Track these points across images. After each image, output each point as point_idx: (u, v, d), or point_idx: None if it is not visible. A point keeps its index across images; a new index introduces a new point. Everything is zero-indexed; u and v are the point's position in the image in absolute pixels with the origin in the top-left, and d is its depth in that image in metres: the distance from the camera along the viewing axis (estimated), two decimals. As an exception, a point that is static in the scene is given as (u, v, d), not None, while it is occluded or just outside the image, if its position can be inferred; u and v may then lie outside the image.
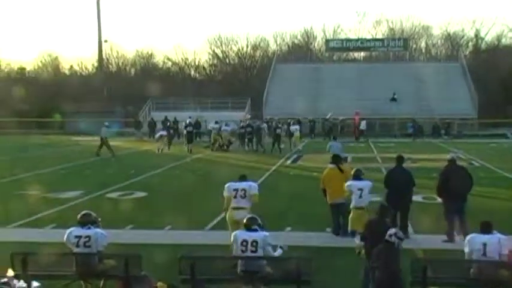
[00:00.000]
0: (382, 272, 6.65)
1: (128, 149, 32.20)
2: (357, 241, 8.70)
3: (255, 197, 9.56)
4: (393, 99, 45.68)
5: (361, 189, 10.19)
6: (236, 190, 9.57)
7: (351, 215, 10.30)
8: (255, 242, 7.15)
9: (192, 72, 67.59)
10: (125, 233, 11.51)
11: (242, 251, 7.19)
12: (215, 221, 12.50)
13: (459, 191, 10.73)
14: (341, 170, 11.24)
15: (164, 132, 30.70)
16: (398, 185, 10.94)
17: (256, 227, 7.37)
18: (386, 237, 6.81)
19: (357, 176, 10.43)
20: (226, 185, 9.76)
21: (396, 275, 6.60)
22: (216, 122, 31.81)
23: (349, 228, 10.32)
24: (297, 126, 32.77)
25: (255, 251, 7.15)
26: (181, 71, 66.73)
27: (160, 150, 29.03)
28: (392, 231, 6.85)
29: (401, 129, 41.92)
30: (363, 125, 39.48)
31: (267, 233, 7.38)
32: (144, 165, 23.24)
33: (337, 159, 11.56)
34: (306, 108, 43.79)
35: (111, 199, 15.70)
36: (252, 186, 9.67)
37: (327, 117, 40.10)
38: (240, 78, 62.82)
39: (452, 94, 45.18)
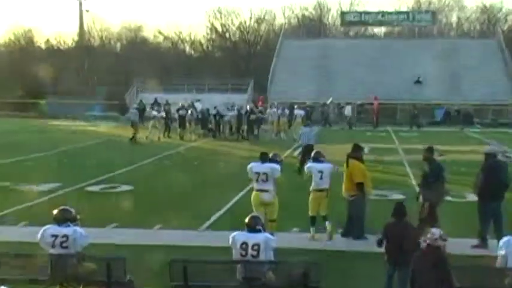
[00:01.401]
0: (429, 282, 6.61)
1: (112, 136, 32.21)
2: (327, 227, 10.98)
3: (279, 179, 10.57)
4: (418, 82, 45.57)
5: (321, 172, 11.14)
6: (258, 174, 10.48)
7: (310, 197, 11.25)
8: (256, 245, 7.15)
9: (187, 49, 67.54)
10: (107, 232, 11.55)
11: (242, 255, 7.19)
12: (212, 220, 12.54)
13: (497, 189, 10.72)
14: (347, 164, 11.27)
15: (157, 114, 30.33)
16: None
17: (259, 227, 7.37)
18: (430, 241, 6.76)
19: (317, 158, 11.43)
20: (249, 166, 10.67)
21: (449, 284, 6.57)
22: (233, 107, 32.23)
23: (309, 212, 11.21)
24: (302, 112, 32.98)
25: (257, 256, 7.15)
26: (175, 47, 66.65)
27: (156, 137, 28.85)
28: (436, 233, 6.77)
29: (428, 116, 41.81)
30: (348, 110, 38.72)
31: (270, 235, 7.39)
32: (130, 155, 23.29)
33: (355, 149, 11.54)
34: (317, 91, 43.68)
35: (93, 193, 15.75)
36: (274, 170, 10.51)
37: (328, 102, 40.01)
38: (241, 56, 62.71)
39: (487, 76, 44.99)
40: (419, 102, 42.20)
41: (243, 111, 30.92)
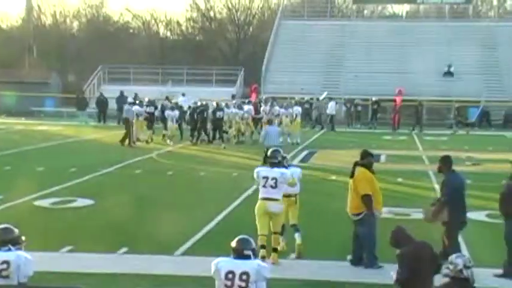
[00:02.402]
0: None
1: (68, 137, 32.17)
2: (282, 242, 11.57)
3: (291, 182, 11.28)
4: (448, 73, 45.75)
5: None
6: (266, 178, 11.08)
7: None
8: (245, 275, 7.14)
9: (162, 30, 67.57)
10: (60, 257, 11.50)
11: (227, 287, 7.20)
12: (189, 243, 12.52)
13: None
14: (353, 173, 11.30)
15: (141, 109, 30.04)
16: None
17: (249, 252, 7.37)
18: (453, 274, 6.72)
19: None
20: (256, 171, 11.35)
21: None
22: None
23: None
24: (299, 109, 32.90)
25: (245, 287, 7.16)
26: (146, 28, 66.66)
27: (147, 139, 29.09)
28: (459, 263, 6.72)
29: (460, 116, 41.92)
30: (331, 108, 38.63)
31: (263, 263, 7.39)
32: (90, 161, 23.21)
33: (364, 156, 11.54)
34: (322, 84, 43.74)
35: (42, 208, 15.66)
36: (284, 175, 11.14)
37: (321, 98, 40.07)
38: (229, 40, 62.78)
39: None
40: (450, 98, 42.37)
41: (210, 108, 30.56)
